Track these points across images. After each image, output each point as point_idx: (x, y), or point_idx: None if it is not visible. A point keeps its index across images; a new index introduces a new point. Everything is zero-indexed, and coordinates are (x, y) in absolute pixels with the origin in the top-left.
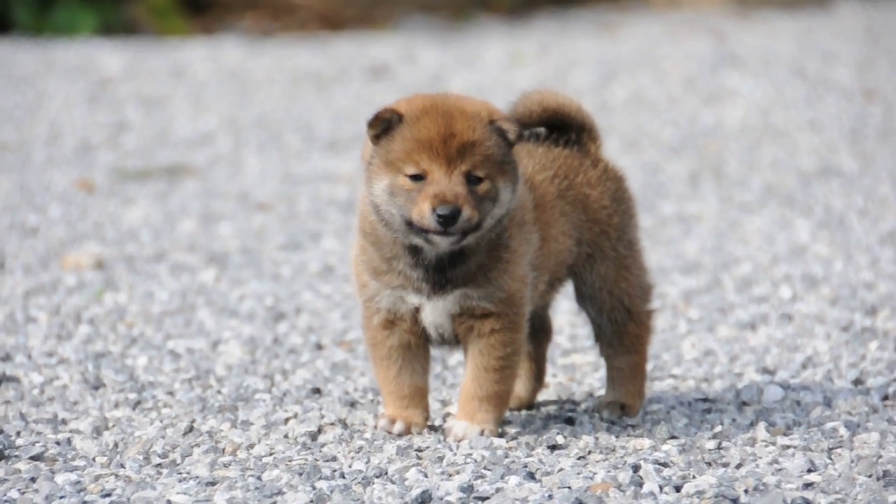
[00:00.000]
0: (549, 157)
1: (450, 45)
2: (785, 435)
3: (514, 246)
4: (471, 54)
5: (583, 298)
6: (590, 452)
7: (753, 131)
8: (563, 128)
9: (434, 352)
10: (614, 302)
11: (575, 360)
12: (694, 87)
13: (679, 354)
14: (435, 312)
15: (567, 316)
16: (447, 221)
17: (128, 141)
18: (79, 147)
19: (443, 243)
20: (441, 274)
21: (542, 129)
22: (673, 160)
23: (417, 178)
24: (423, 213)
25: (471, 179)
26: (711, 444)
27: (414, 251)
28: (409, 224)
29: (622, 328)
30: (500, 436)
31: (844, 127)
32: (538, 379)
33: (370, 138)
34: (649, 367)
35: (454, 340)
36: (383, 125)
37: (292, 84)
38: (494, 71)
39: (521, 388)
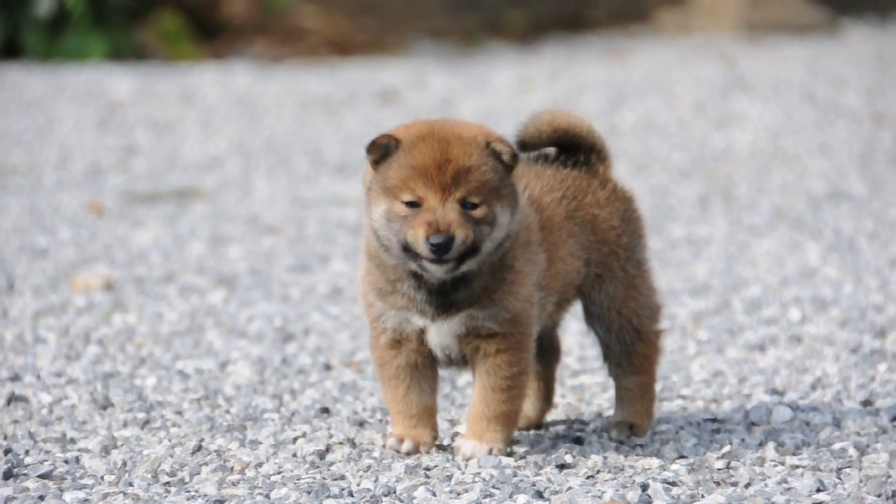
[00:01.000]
0: (558, 179)
1: (459, 71)
2: (794, 455)
3: (519, 267)
4: (480, 79)
5: (591, 318)
6: (598, 472)
7: (763, 155)
8: (573, 148)
9: (443, 372)
10: (623, 322)
11: (584, 380)
12: (703, 111)
13: (688, 375)
14: (440, 334)
15: (576, 337)
16: (440, 249)
17: (137, 164)
18: (88, 170)
19: (437, 272)
20: (444, 297)
21: (551, 150)
22: (682, 183)
23: (413, 204)
24: (417, 239)
25: (466, 205)
26: (720, 464)
27: (417, 275)
28: (406, 249)
29: (631, 348)
30: (509, 455)
31: (854, 151)
32: (547, 399)
33: (370, 163)
34: (658, 387)
35: (462, 361)
36: (381, 151)
37: (301, 108)
38: (504, 96)
39: (529, 407)
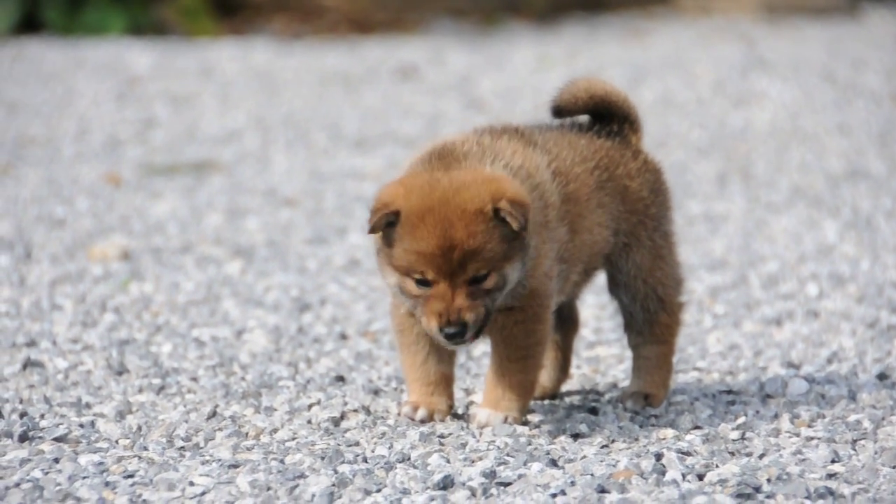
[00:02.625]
0: (592, 149)
1: (479, 49)
2: (809, 426)
3: (535, 247)
4: (499, 57)
5: (617, 286)
6: (613, 441)
7: (782, 134)
8: (607, 117)
9: None
10: (648, 291)
11: (599, 352)
12: (723, 90)
13: (704, 348)
14: None
15: (592, 309)
16: (454, 337)
17: (156, 137)
18: (107, 142)
19: (456, 348)
20: None
21: (585, 118)
22: (701, 161)
23: (423, 282)
24: (431, 329)
25: (476, 279)
26: (735, 435)
27: None
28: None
29: (654, 317)
30: (524, 424)
31: (873, 131)
32: (563, 369)
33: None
34: (674, 359)
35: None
36: (381, 224)
37: (320, 84)
38: (523, 73)
39: (545, 377)
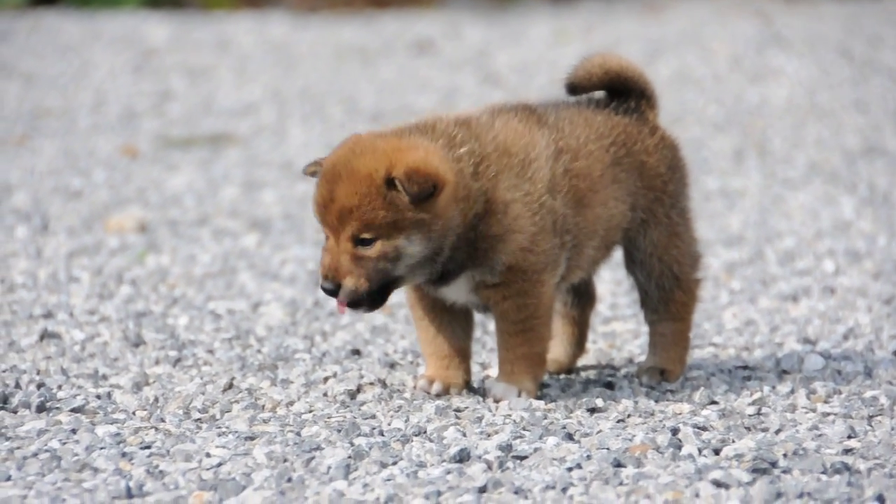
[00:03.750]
0: (609, 125)
1: (495, 23)
2: (825, 402)
3: (505, 224)
4: (516, 32)
5: (633, 263)
6: (629, 416)
7: (798, 110)
8: (624, 92)
9: (477, 317)
10: (664, 268)
11: (615, 327)
12: (739, 66)
13: (720, 324)
14: (453, 294)
15: (608, 285)
16: (328, 293)
17: (172, 109)
18: (123, 114)
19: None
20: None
21: (601, 94)
22: (717, 137)
23: (326, 238)
24: (319, 279)
25: (361, 241)
26: (751, 410)
27: None
28: None
29: (669, 295)
30: (540, 398)
31: (890, 108)
32: (579, 344)
33: None
34: (690, 335)
35: (488, 307)
36: (312, 172)
37: (336, 57)
38: (539, 48)
39: (561, 352)
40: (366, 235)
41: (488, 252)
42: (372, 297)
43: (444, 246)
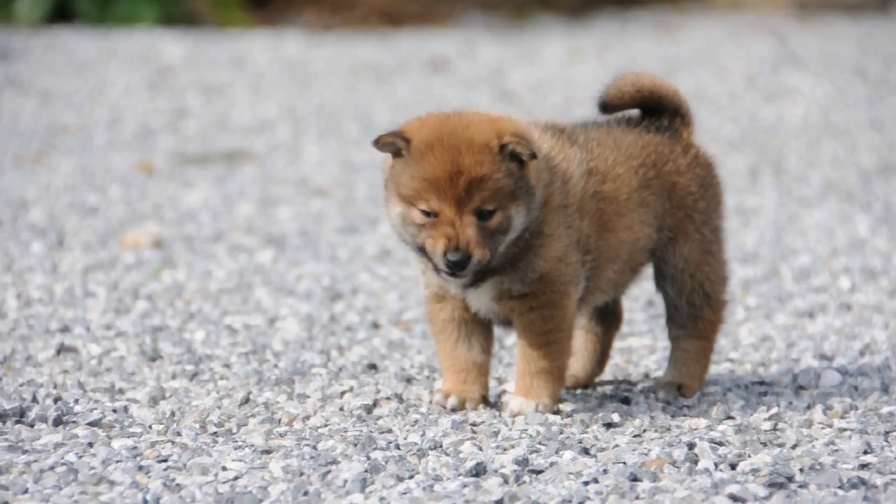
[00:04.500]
0: (639, 146)
1: (509, 42)
2: (842, 418)
3: (549, 231)
4: (530, 50)
5: (664, 279)
6: (645, 431)
7: (814, 129)
8: (657, 110)
9: (497, 331)
10: (695, 285)
11: (632, 343)
12: (754, 85)
13: (736, 340)
14: (477, 300)
15: (626, 301)
16: (457, 266)
17: (188, 126)
18: (139, 132)
19: (452, 283)
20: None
21: (635, 112)
22: (732, 155)
23: (429, 214)
24: (436, 252)
25: (482, 214)
26: (767, 426)
27: None
28: (422, 251)
29: (699, 312)
30: (556, 413)
31: None
32: (600, 364)
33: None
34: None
35: (508, 321)
36: (389, 149)
37: (352, 75)
38: (554, 66)
39: (579, 368)
40: (489, 207)
41: (526, 254)
42: (479, 272)
43: (531, 226)
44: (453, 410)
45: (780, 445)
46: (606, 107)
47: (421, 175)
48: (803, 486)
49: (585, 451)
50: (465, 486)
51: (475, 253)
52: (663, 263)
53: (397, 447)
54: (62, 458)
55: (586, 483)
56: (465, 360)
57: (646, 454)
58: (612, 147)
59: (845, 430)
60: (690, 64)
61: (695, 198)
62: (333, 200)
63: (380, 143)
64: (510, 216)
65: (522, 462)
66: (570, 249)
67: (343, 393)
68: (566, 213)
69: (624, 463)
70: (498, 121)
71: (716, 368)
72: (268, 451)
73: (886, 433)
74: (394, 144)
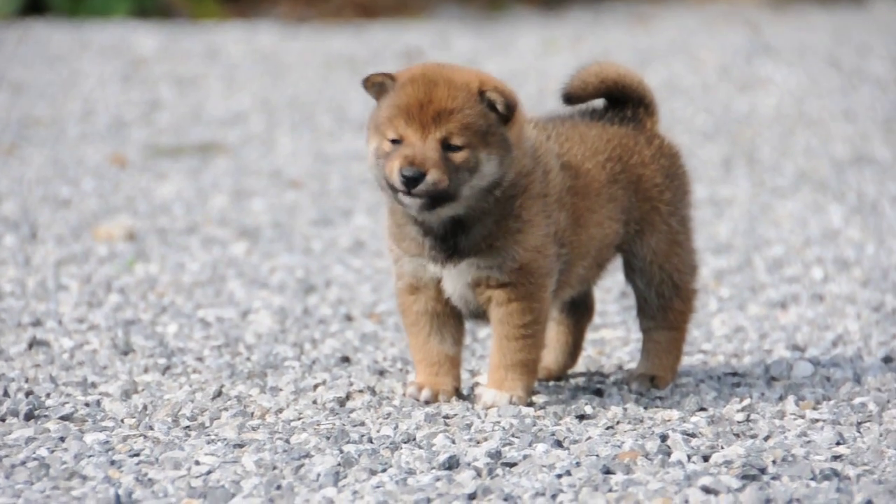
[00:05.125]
0: (604, 140)
1: (484, 33)
2: (814, 409)
3: (528, 217)
4: (505, 41)
5: (633, 271)
6: (618, 423)
7: (787, 119)
8: (621, 101)
9: (467, 324)
10: (664, 276)
11: (604, 334)
12: (728, 75)
13: (709, 331)
14: (453, 282)
15: (598, 292)
16: (410, 182)
17: (161, 118)
18: (112, 124)
19: (411, 206)
20: (448, 242)
21: (599, 103)
22: (706, 145)
23: (397, 142)
24: (392, 171)
25: (449, 147)
26: (740, 417)
27: (418, 220)
28: (389, 185)
29: (668, 303)
30: (529, 405)
31: (878, 117)
32: (572, 356)
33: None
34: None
35: (483, 313)
36: (376, 88)
37: (325, 67)
38: (528, 57)
39: (551, 360)
40: (456, 141)
41: (504, 238)
42: (436, 199)
43: (502, 183)
44: (426, 403)
45: (753, 437)
46: (570, 98)
47: (395, 104)
48: (776, 477)
49: (558, 444)
50: (438, 479)
51: (430, 172)
52: (632, 256)
53: (370, 440)
54: (34, 453)
55: (559, 476)
56: (437, 353)
57: (619, 446)
58: (579, 142)
59: (818, 421)
60: (664, 54)
61: (660, 189)
62: (307, 192)
63: (369, 83)
64: (479, 158)
65: (495, 455)
66: (548, 240)
67: (316, 386)
68: (546, 203)
69: (597, 455)
70: (487, 75)
71: (688, 360)
72: (240, 445)
73: (859, 424)
74: (382, 84)
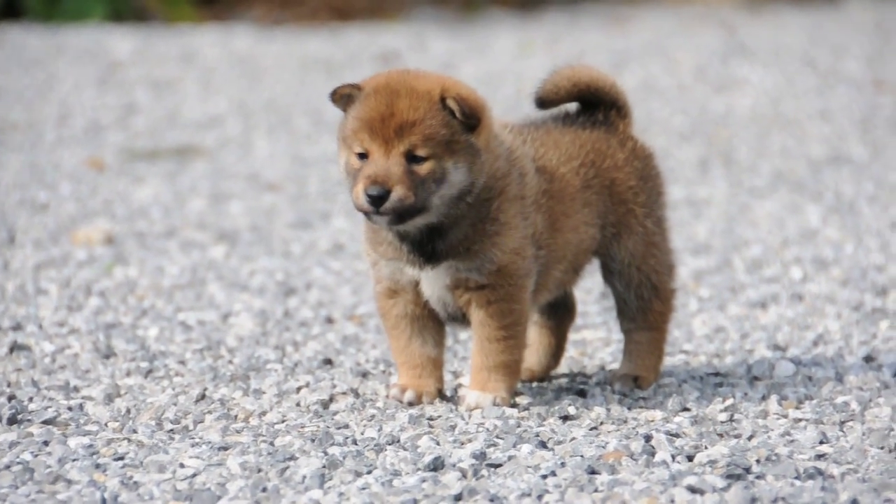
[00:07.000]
0: (577, 144)
1: (460, 35)
2: (797, 408)
3: (505, 219)
4: (481, 43)
5: (611, 274)
6: (602, 423)
7: (763, 119)
8: (594, 104)
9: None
10: (642, 278)
11: (586, 335)
12: (704, 76)
13: (690, 331)
14: (431, 285)
15: (578, 293)
16: (376, 201)
17: (137, 122)
18: (88, 127)
19: (382, 223)
20: (426, 247)
21: (572, 106)
22: (683, 146)
23: (363, 156)
24: (358, 193)
25: (414, 159)
26: (723, 417)
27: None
28: (355, 205)
29: (648, 304)
30: (513, 406)
31: (855, 116)
32: (555, 357)
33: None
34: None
35: (461, 317)
36: (343, 100)
37: (302, 70)
38: (504, 59)
39: (534, 361)
40: (420, 153)
41: (482, 241)
42: (404, 214)
43: (473, 189)
44: (410, 405)
45: (737, 436)
46: (543, 102)
47: (359, 116)
48: (760, 476)
49: (543, 445)
50: (423, 480)
51: (395, 189)
52: (609, 259)
53: (354, 442)
54: (17, 457)
55: (545, 476)
56: (419, 355)
57: (603, 447)
58: (553, 147)
59: (801, 420)
60: (640, 56)
61: (635, 191)
62: (285, 195)
63: (336, 95)
64: (445, 168)
65: (480, 456)
66: (526, 242)
67: (299, 388)
68: (523, 205)
69: (582, 456)
70: (452, 80)
71: (670, 360)
72: (225, 448)
73: (841, 423)
74: (350, 95)
